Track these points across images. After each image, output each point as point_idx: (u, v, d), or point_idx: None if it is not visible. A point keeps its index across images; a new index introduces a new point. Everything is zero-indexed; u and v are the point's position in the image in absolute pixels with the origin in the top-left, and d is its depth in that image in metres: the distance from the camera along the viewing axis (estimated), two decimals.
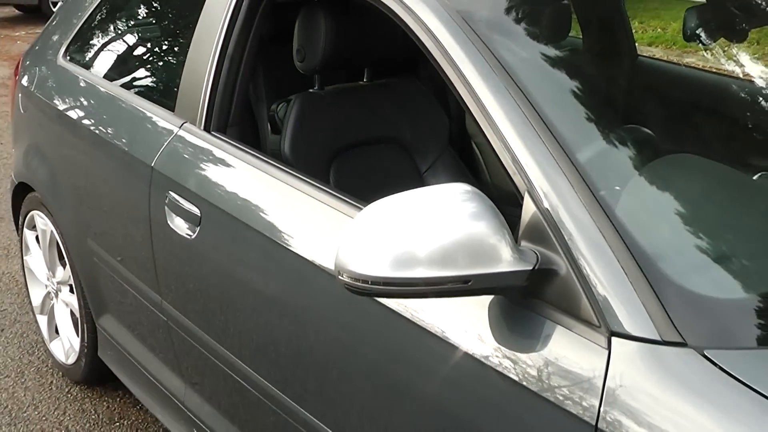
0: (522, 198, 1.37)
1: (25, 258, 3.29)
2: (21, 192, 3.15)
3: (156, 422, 2.87)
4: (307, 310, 1.74)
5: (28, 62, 3.16)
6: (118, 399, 3.02)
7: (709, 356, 1.18)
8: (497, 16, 1.72)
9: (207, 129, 2.13)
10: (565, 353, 1.28)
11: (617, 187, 1.43)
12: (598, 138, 1.57)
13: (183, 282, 2.15)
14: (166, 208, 2.14)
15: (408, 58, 2.48)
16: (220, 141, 2.08)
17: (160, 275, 2.24)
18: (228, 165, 2.03)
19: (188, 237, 2.06)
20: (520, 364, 1.32)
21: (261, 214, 1.87)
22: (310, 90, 2.36)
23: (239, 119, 2.17)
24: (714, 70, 2.51)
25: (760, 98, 2.25)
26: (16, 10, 13.41)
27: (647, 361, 1.20)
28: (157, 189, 2.17)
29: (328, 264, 1.62)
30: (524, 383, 1.31)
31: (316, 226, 1.72)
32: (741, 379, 1.14)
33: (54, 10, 11.91)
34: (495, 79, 1.48)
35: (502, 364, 1.34)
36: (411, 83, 2.54)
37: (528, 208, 1.37)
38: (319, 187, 1.76)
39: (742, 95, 2.36)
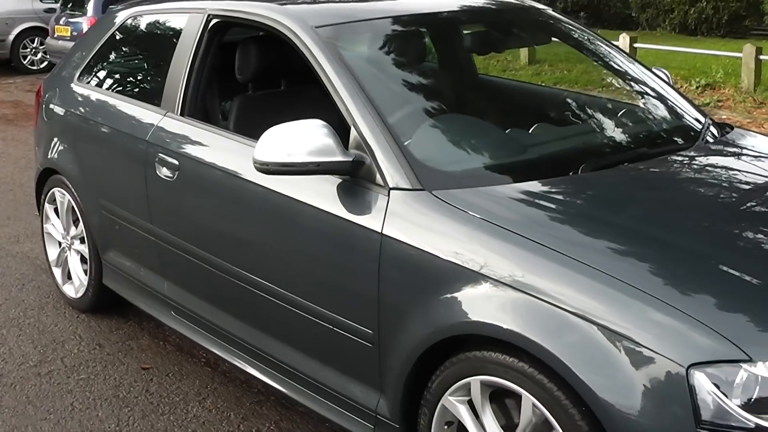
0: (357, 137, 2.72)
1: (45, 226, 4.56)
2: (44, 177, 4.44)
3: (143, 329, 4.14)
4: (240, 206, 3.08)
5: (49, 85, 4.49)
6: (115, 318, 4.28)
7: (434, 194, 2.55)
8: (354, 44, 3.11)
9: (182, 114, 3.48)
10: (370, 199, 2.63)
11: (407, 134, 2.79)
12: (403, 110, 2.95)
13: (166, 209, 3.48)
14: (156, 163, 3.47)
15: (308, 72, 3.83)
16: (190, 121, 3.43)
17: (151, 208, 3.56)
18: (194, 134, 3.38)
19: (170, 179, 3.40)
20: (351, 208, 2.67)
21: (214, 159, 3.21)
22: (246, 93, 3.71)
23: (201, 110, 3.52)
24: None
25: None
26: None
27: (406, 199, 2.56)
28: (151, 152, 3.50)
29: (251, 177, 2.95)
30: (350, 218, 2.65)
31: (245, 158, 3.01)
32: (447, 201, 2.50)
33: (24, 63, 13.12)
34: (347, 81, 2.83)
35: (342, 212, 2.68)
36: (313, 88, 3.83)
37: (354, 136, 2.73)
38: (245, 143, 3.08)
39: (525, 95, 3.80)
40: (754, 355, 1.98)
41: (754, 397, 1.98)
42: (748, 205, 2.76)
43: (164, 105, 3.59)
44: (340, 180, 2.73)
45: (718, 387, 1.98)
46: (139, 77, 4.20)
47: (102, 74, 4.24)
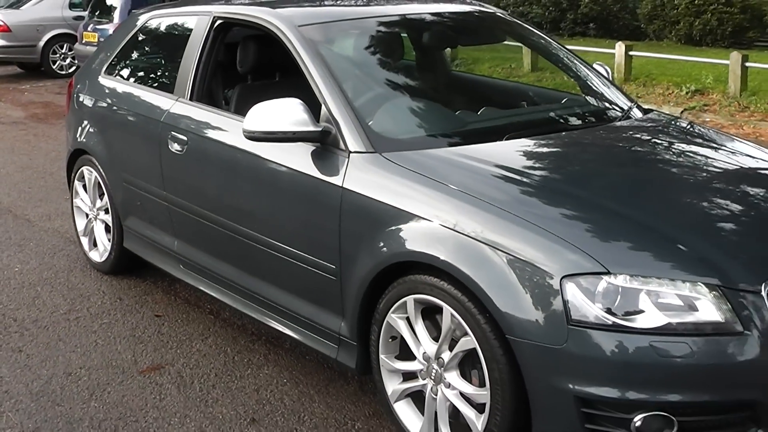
0: (326, 112, 3.38)
1: (74, 201, 5.26)
2: (74, 157, 5.14)
3: (157, 286, 4.82)
4: (234, 171, 3.75)
5: (79, 79, 5.20)
6: (133, 278, 4.95)
7: (383, 155, 3.21)
8: (331, 39, 3.78)
9: (191, 99, 4.16)
10: (335, 161, 3.29)
11: (367, 109, 3.45)
12: (365, 91, 3.61)
13: (176, 178, 4.16)
14: (168, 140, 4.15)
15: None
16: (197, 104, 4.11)
17: (164, 178, 4.24)
18: (200, 115, 4.05)
19: (179, 153, 4.07)
20: (321, 168, 3.32)
21: (215, 135, 3.88)
22: (246, 83, 4.38)
23: (207, 95, 4.19)
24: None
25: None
26: (19, 68, 15.46)
27: (362, 160, 3.22)
28: (165, 131, 4.18)
29: (244, 147, 3.61)
30: (319, 176, 3.31)
31: (240, 134, 3.66)
32: (393, 161, 3.16)
33: (53, 67, 13.91)
34: (320, 68, 3.49)
35: (313, 171, 3.34)
36: (303, 79, 4.43)
37: (323, 112, 3.39)
38: (241, 122, 3.75)
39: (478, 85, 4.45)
40: (612, 269, 2.62)
41: (614, 301, 2.60)
42: (637, 162, 3.42)
43: (176, 92, 4.27)
44: (314, 147, 3.39)
45: (584, 293, 2.61)
46: (156, 70, 4.89)
47: (125, 68, 4.94)
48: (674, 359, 2.57)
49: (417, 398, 3.14)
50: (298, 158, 3.43)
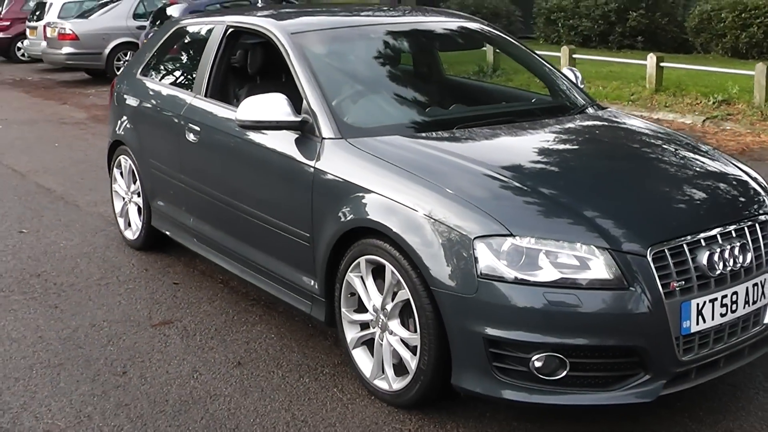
0: (306, 105, 4.01)
1: (113, 186, 5.99)
2: (113, 148, 5.87)
3: (179, 261, 5.50)
4: (235, 156, 4.40)
5: (120, 79, 5.94)
6: (160, 254, 5.64)
7: (348, 141, 3.82)
8: (318, 45, 4.41)
9: (206, 96, 4.84)
10: (311, 147, 3.91)
11: (343, 108, 4.08)
12: (342, 91, 4.22)
13: (191, 163, 4.83)
14: (185, 131, 4.82)
15: None
16: (211, 101, 4.77)
17: (182, 164, 4.92)
18: (212, 109, 4.71)
19: (194, 142, 4.75)
20: (301, 152, 3.95)
21: (221, 126, 4.53)
22: (255, 83, 5.03)
23: (220, 93, 4.86)
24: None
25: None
26: (86, 74, 16.50)
27: (331, 145, 3.83)
28: (183, 123, 4.86)
29: (242, 135, 4.26)
30: (297, 158, 3.94)
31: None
32: (355, 145, 3.77)
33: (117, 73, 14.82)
34: (303, 69, 4.13)
35: (295, 154, 3.96)
36: None
37: (304, 105, 4.02)
38: None
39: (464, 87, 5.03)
40: (516, 232, 3.17)
41: (517, 258, 3.15)
42: (561, 147, 3.98)
43: (195, 90, 4.95)
44: (297, 135, 4.02)
45: (491, 252, 3.17)
46: (180, 71, 5.59)
47: (156, 69, 5.65)
48: (564, 308, 3.11)
49: (370, 346, 3.72)
50: (284, 144, 4.05)
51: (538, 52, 15.57)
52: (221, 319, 4.58)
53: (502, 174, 3.50)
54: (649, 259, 3.16)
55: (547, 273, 3.14)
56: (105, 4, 15.93)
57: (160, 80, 5.52)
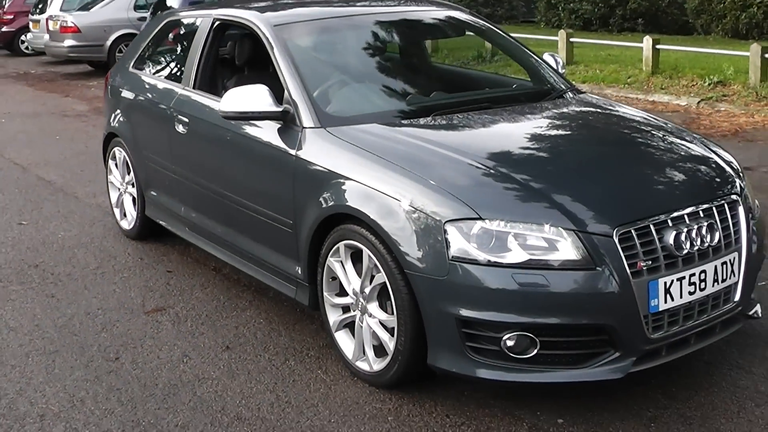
0: (287, 95, 4.12)
1: (108, 177, 6.12)
2: (108, 140, 6.00)
3: (174, 250, 5.62)
4: (221, 145, 4.52)
5: (113, 72, 6.06)
6: (155, 243, 5.76)
7: (327, 130, 3.93)
8: (300, 36, 4.52)
9: (194, 88, 4.95)
10: (293, 136, 4.02)
11: (324, 98, 4.19)
12: (323, 81, 4.32)
13: (181, 154, 4.95)
14: (174, 122, 4.94)
15: None
16: (199, 92, 4.88)
17: (173, 154, 5.04)
18: (199, 101, 4.82)
19: (183, 133, 4.87)
20: (284, 141, 4.06)
21: (208, 117, 4.64)
22: (242, 73, 5.14)
23: (207, 84, 4.97)
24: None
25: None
26: (89, 66, 16.62)
27: (311, 134, 3.95)
28: (173, 115, 4.98)
29: (228, 126, 4.37)
30: (280, 146, 4.05)
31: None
32: (333, 133, 3.88)
33: None
34: (285, 60, 4.23)
35: (277, 143, 4.07)
36: None
37: (285, 95, 4.13)
38: None
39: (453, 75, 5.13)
40: (484, 216, 3.28)
41: (486, 241, 3.26)
42: (535, 131, 4.09)
43: (183, 81, 5.07)
44: (279, 125, 4.13)
45: (461, 235, 3.28)
46: (170, 63, 5.70)
47: (147, 62, 5.77)
48: (533, 288, 3.22)
49: (352, 328, 3.84)
50: (267, 134, 4.17)
51: (537, 36, 15.61)
52: (212, 305, 4.70)
53: (474, 159, 3.61)
54: (616, 239, 3.26)
55: (515, 255, 3.24)
56: None
57: (151, 73, 5.64)
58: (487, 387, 3.63)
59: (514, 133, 4.09)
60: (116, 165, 5.97)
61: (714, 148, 4.11)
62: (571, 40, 14.09)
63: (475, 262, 3.26)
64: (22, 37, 19.33)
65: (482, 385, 3.61)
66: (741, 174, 3.95)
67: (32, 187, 7.45)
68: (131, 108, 5.67)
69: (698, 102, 10.70)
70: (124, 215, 5.97)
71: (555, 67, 5.00)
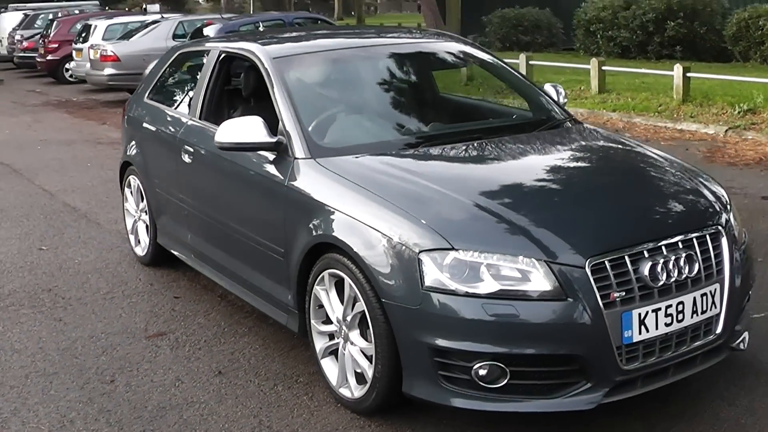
0: (281, 126, 4.24)
1: (124, 204, 6.30)
2: (124, 168, 6.18)
3: (185, 276, 5.76)
4: (221, 175, 4.65)
5: (130, 102, 6.26)
6: (167, 269, 5.91)
7: (316, 161, 4.04)
8: (298, 69, 4.64)
9: (200, 119, 5.10)
10: (285, 166, 4.12)
11: (316, 130, 4.29)
12: (317, 112, 4.43)
13: (187, 183, 5.10)
14: (182, 152, 5.09)
15: None
16: (204, 123, 5.03)
17: (180, 183, 5.18)
18: (204, 132, 4.97)
19: (189, 163, 5.01)
20: (277, 171, 4.17)
21: (212, 146, 4.77)
22: (249, 104, 5.28)
23: (214, 115, 5.11)
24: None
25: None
26: (129, 94, 17.01)
27: (302, 164, 4.05)
28: (180, 144, 5.13)
29: (227, 157, 4.50)
30: (273, 177, 4.16)
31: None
32: (321, 164, 3.98)
33: None
34: (282, 93, 4.36)
35: (274, 173, 4.17)
36: None
37: (280, 127, 4.25)
38: None
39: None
40: (457, 246, 3.35)
41: (458, 271, 3.32)
42: (518, 162, 4.17)
43: (191, 112, 5.23)
44: (274, 156, 4.24)
45: (435, 265, 3.34)
46: (180, 94, 5.88)
47: (160, 92, 5.95)
48: (503, 319, 3.27)
49: (337, 355, 3.91)
50: (262, 164, 4.29)
51: (573, 65, 15.57)
52: (212, 330, 4.81)
53: (454, 190, 3.67)
54: (588, 270, 3.30)
55: (487, 285, 3.30)
56: (146, 26, 16.43)
57: (162, 103, 5.82)
58: (465, 415, 3.67)
59: (500, 164, 4.15)
60: (131, 193, 6.14)
61: (703, 180, 4.12)
62: (603, 68, 14.06)
63: (447, 291, 3.32)
64: (67, 65, 19.86)
65: (462, 414, 3.65)
66: (728, 206, 3.95)
67: (57, 214, 7.67)
68: (144, 137, 5.84)
69: (726, 130, 10.61)
70: (138, 242, 6.13)
71: (555, 97, 5.05)
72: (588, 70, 14.41)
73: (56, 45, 20.09)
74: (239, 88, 5.35)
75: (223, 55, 5.11)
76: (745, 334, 3.90)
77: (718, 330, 3.62)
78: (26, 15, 25.62)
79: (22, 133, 12.89)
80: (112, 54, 15.59)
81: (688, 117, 11.59)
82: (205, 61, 5.28)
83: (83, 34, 18.09)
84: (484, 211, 3.54)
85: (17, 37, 24.01)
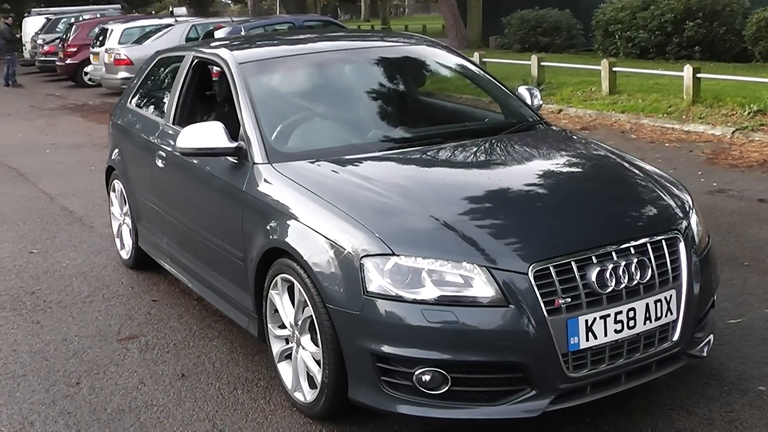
0: (242, 131, 4.26)
1: (110, 208, 6.36)
2: (108, 173, 6.24)
3: (165, 279, 5.80)
4: (188, 180, 4.67)
5: (116, 107, 6.32)
6: (150, 273, 5.96)
7: (273, 166, 4.05)
8: (263, 74, 4.66)
9: (173, 123, 5.14)
10: (244, 171, 4.14)
11: (277, 135, 4.30)
12: (279, 118, 4.43)
13: (161, 187, 5.14)
14: (156, 158, 5.13)
15: None
16: (177, 127, 5.05)
17: (155, 187, 5.23)
18: (175, 136, 5.01)
19: (162, 167, 5.05)
20: (236, 176, 4.19)
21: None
22: (223, 110, 5.31)
23: (187, 119, 5.15)
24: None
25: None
26: None
27: (259, 169, 4.06)
28: (155, 149, 5.17)
29: (194, 161, 4.53)
30: (231, 182, 4.18)
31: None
32: (278, 170, 3.99)
33: None
34: (244, 99, 4.37)
35: (230, 178, 4.20)
36: None
37: (241, 132, 4.27)
38: None
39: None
40: (398, 251, 3.33)
41: (400, 276, 3.32)
42: (471, 167, 4.16)
43: (165, 117, 5.27)
44: (235, 161, 4.26)
45: (376, 270, 3.33)
46: (157, 99, 5.92)
47: (140, 97, 6.00)
48: (444, 325, 3.25)
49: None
50: (223, 169, 4.31)
51: (588, 66, 15.45)
52: (183, 334, 4.85)
53: (402, 195, 3.66)
54: (531, 276, 3.27)
55: (428, 291, 3.28)
56: (160, 29, 16.58)
57: (141, 108, 5.87)
58: (418, 422, 3.65)
59: (454, 168, 4.14)
60: (116, 197, 6.20)
61: (667, 184, 4.07)
62: (614, 69, 13.95)
63: (388, 297, 3.31)
64: (85, 69, 20.09)
65: (414, 420, 3.63)
66: (689, 210, 3.90)
67: (53, 217, 7.77)
68: (125, 142, 5.90)
69: (733, 132, 10.48)
70: (123, 245, 6.19)
71: (529, 101, 5.02)
72: (593, 72, 14.33)
73: (75, 49, 20.33)
74: (206, 94, 5.40)
75: (196, 61, 5.15)
76: (709, 340, 3.84)
77: (675, 337, 3.57)
78: (48, 19, 25.98)
79: (35, 137, 13.07)
80: (125, 57, 15.76)
81: (696, 118, 11.46)
82: (178, 67, 5.32)
83: (100, 38, 18.28)
84: (432, 217, 3.52)
85: (39, 41, 24.35)
